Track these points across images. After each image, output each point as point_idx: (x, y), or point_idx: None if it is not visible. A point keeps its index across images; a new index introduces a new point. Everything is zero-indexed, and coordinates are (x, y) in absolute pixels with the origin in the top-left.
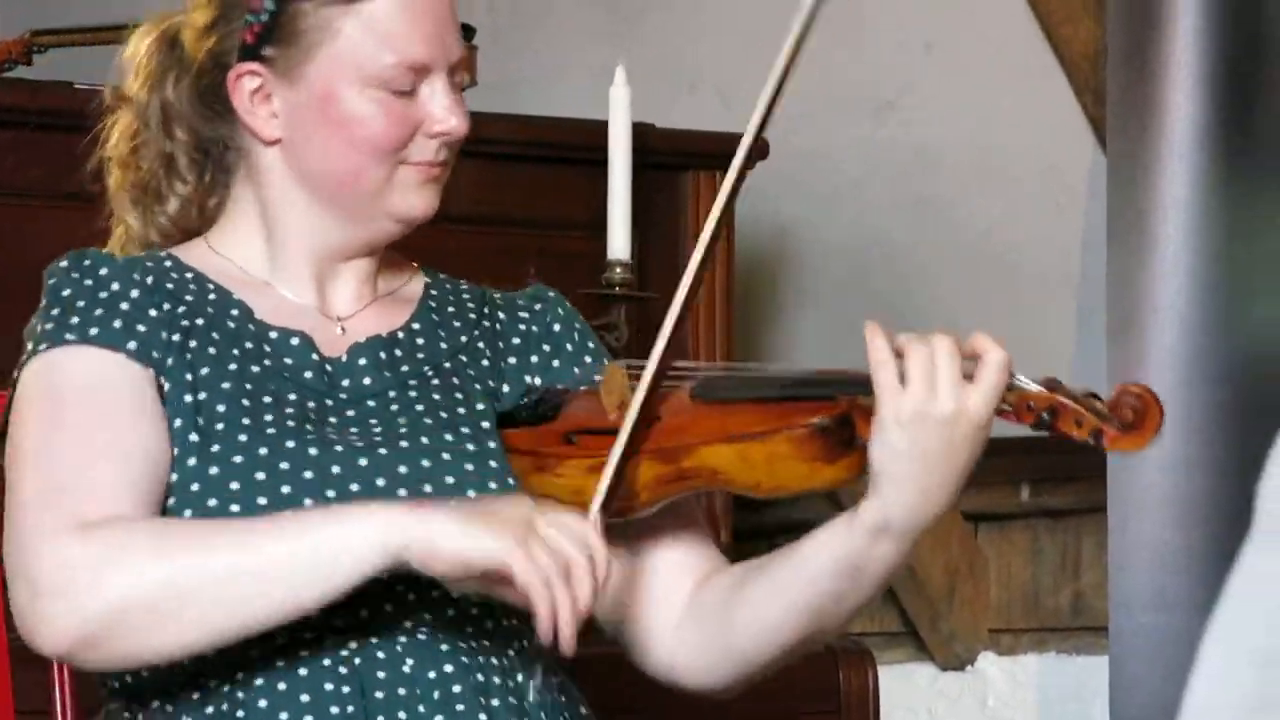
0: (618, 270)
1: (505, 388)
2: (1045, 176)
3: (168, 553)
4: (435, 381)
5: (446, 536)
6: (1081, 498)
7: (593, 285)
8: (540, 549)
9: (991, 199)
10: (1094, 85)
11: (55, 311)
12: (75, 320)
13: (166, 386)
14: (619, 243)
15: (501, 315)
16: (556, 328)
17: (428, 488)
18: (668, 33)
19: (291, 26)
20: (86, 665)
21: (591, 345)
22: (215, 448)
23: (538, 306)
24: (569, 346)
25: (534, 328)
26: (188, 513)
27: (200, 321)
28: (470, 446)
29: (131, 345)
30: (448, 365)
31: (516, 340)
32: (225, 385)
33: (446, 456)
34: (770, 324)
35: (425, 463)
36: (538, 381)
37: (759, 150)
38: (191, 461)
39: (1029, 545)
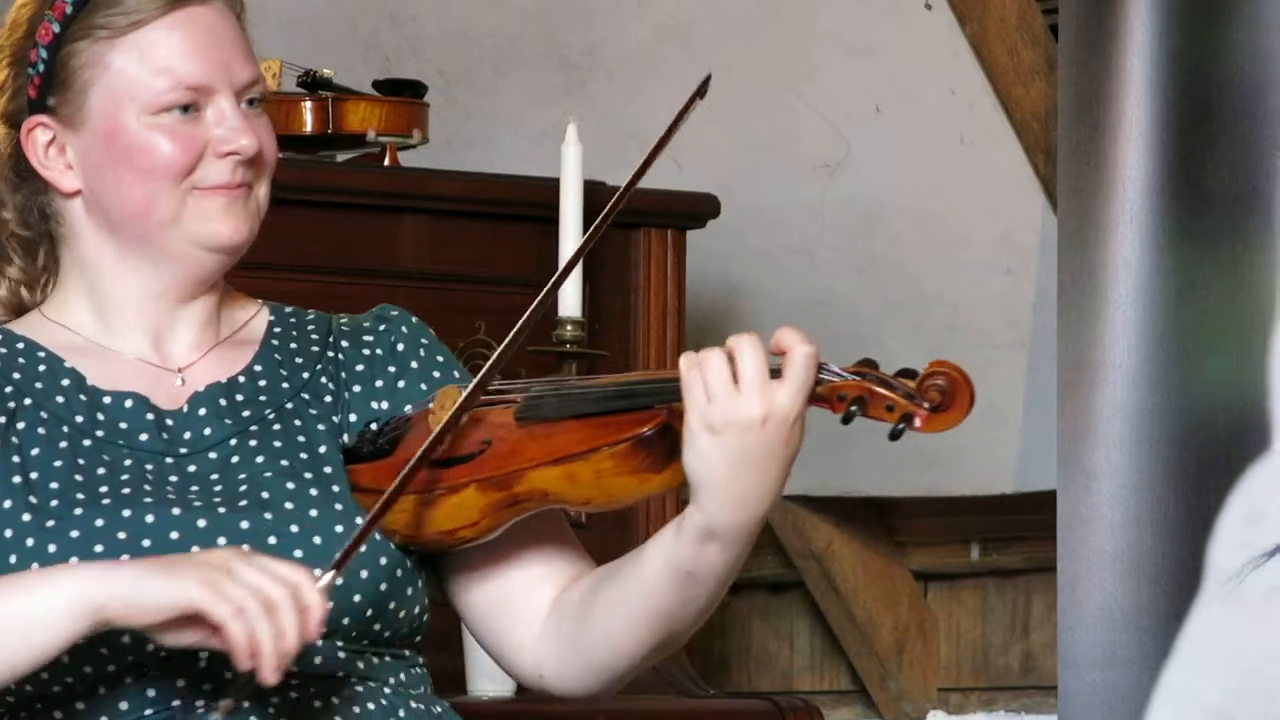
0: (569, 328)
1: (352, 417)
2: (995, 237)
3: None
4: (277, 426)
5: (138, 586)
6: (1031, 557)
7: (544, 343)
8: (232, 586)
9: (941, 259)
10: (1045, 145)
11: None
12: None
13: None
14: (570, 300)
15: (345, 343)
16: (400, 346)
17: (271, 539)
18: (618, 92)
19: (66, 69)
20: None
21: (440, 359)
22: (50, 523)
23: (381, 327)
24: (414, 364)
25: (378, 350)
26: None
27: (29, 401)
28: (314, 492)
29: None
30: (289, 406)
31: (360, 366)
32: (57, 463)
33: (289, 506)
34: None
35: (267, 515)
36: (384, 406)
37: (710, 208)
38: (29, 542)
39: (978, 604)
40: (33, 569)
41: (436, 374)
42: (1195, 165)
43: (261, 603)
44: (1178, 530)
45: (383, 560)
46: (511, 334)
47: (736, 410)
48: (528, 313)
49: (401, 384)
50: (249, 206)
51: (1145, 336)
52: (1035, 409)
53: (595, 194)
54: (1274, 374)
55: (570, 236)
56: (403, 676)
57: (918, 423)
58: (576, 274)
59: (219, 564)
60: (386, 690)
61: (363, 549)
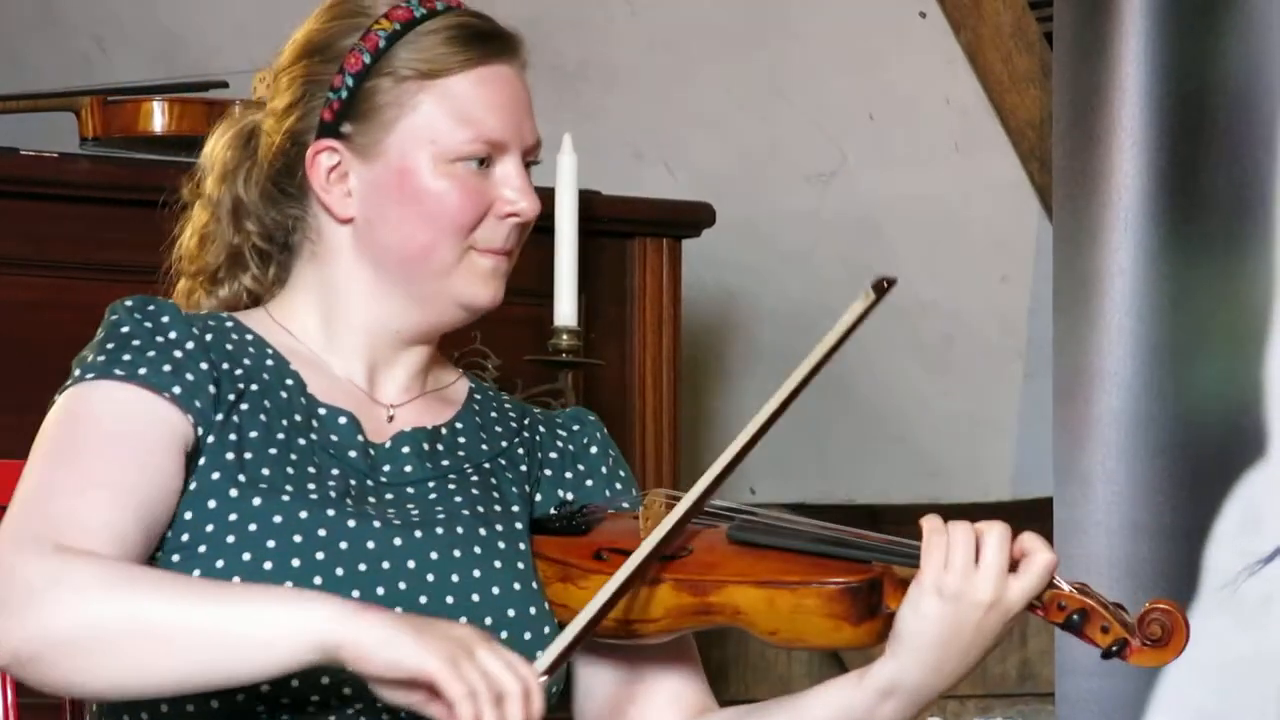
0: (564, 336)
1: (538, 497)
2: (991, 244)
3: (109, 596)
4: (474, 478)
5: (385, 640)
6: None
7: (539, 351)
8: (471, 669)
9: (937, 266)
10: (1040, 153)
11: (110, 346)
12: (127, 358)
13: (209, 439)
14: (566, 309)
15: (541, 429)
16: (593, 450)
17: (454, 577)
18: (613, 102)
19: (370, 102)
20: (25, 681)
21: (623, 474)
22: (256, 502)
23: (576, 427)
24: (603, 470)
25: (570, 446)
26: (220, 563)
27: (255, 386)
28: (501, 544)
29: (175, 390)
30: (487, 466)
31: (554, 454)
32: (271, 451)
33: (478, 550)
34: (716, 390)
35: (456, 552)
36: (570, 498)
37: (705, 217)
38: (232, 516)
39: None
40: (285, 586)
41: (619, 485)
42: (1189, 172)
43: (493, 692)
44: (1174, 537)
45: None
46: (736, 448)
47: (973, 586)
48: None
49: (589, 483)
50: (506, 275)
51: (1140, 344)
52: (1031, 416)
53: (590, 203)
54: (1270, 380)
55: (566, 245)
56: None
57: (1129, 653)
58: (572, 283)
59: (463, 641)
60: None
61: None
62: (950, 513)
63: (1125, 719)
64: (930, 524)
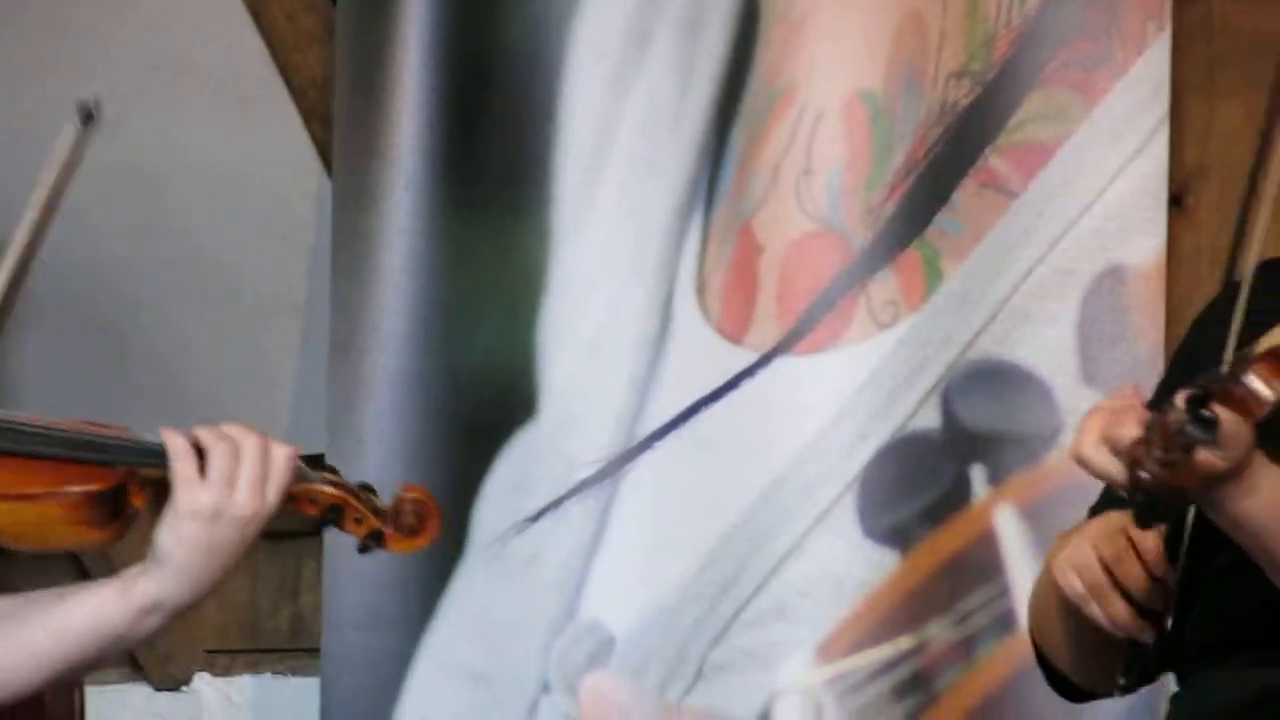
0: None
1: None
2: (271, 200)
3: None
4: None
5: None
6: (302, 520)
7: None
8: None
9: (217, 221)
10: (323, 112)
11: None
12: None
13: None
14: None
15: None
16: None
17: None
18: None
19: None
20: None
21: None
22: None
23: None
24: None
25: None
26: None
27: None
28: None
29: None
30: None
31: None
32: None
33: None
34: None
35: None
36: None
37: None
38: None
39: (248, 567)
40: None
41: None
42: (469, 134)
43: None
44: (444, 495)
45: None
46: None
47: (232, 503)
48: None
49: None
50: None
51: (417, 304)
52: (308, 373)
53: None
54: (541, 343)
55: None
56: None
57: (386, 541)
58: None
59: None
60: None
61: None
62: None
63: (391, 673)
64: (174, 446)
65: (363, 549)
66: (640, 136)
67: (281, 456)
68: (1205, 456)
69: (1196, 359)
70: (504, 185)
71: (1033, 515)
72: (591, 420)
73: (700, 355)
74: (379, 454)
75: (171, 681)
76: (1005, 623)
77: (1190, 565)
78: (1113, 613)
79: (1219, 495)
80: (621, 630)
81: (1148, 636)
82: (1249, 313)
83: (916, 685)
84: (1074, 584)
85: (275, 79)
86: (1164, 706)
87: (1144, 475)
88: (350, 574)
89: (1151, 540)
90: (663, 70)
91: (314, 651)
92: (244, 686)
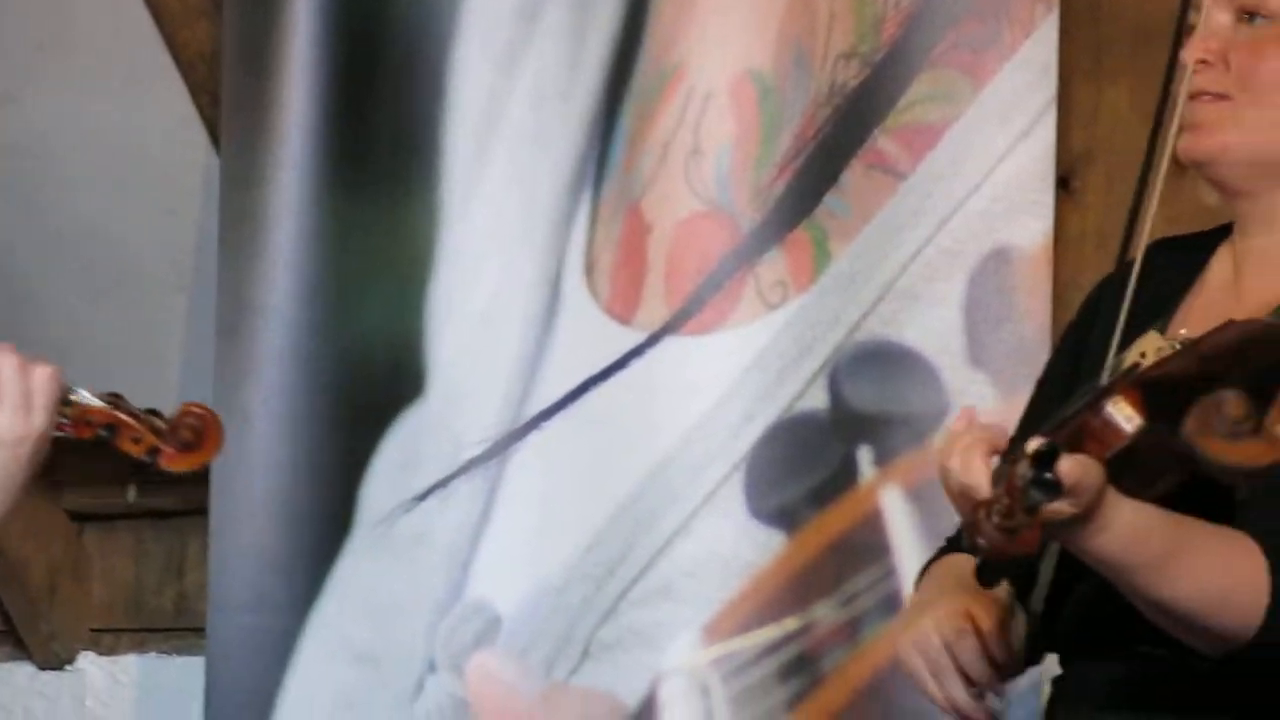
0: None
1: None
2: (159, 176)
3: None
4: None
5: None
6: (187, 499)
7: None
8: None
9: (104, 197)
10: (211, 86)
11: None
12: None
13: None
14: None
15: None
16: None
17: None
18: None
19: None
20: None
21: None
22: None
23: None
24: None
25: None
26: None
27: None
28: None
29: None
30: None
31: None
32: None
33: None
34: None
35: None
36: None
37: None
38: None
39: (134, 546)
40: None
41: None
42: (358, 111)
43: None
44: (331, 474)
45: None
46: None
47: (12, 428)
48: None
49: None
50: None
51: (305, 280)
52: (194, 351)
53: None
54: (430, 320)
55: None
56: None
57: (162, 459)
58: None
59: None
60: None
61: None
62: (107, 453)
63: (277, 654)
64: None
65: (137, 469)
66: (529, 110)
67: (42, 376)
68: (1051, 508)
69: (1087, 341)
70: (393, 161)
71: (919, 496)
72: (480, 399)
73: (588, 334)
74: (266, 432)
75: (55, 660)
76: (891, 604)
77: (1064, 552)
78: (950, 694)
79: (1069, 535)
80: (508, 610)
81: (982, 714)
82: (1137, 294)
83: (803, 666)
84: (915, 663)
85: (163, 54)
86: (1046, 689)
87: (981, 542)
88: (235, 553)
89: (989, 622)
90: (552, 44)
91: (199, 631)
92: (129, 666)
